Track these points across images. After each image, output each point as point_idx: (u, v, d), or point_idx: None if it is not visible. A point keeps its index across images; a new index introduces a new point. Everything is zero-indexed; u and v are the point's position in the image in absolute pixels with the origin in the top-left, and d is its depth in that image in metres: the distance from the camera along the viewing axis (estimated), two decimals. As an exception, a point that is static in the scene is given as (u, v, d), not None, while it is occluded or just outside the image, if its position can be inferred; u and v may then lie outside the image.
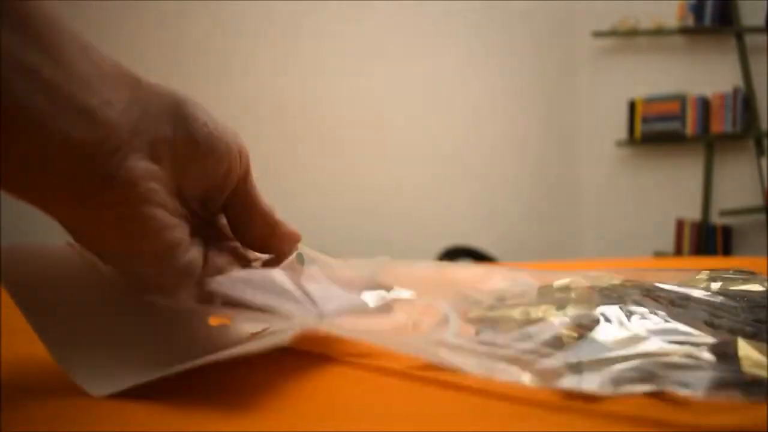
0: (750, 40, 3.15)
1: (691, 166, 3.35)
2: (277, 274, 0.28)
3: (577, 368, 0.22)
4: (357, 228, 2.95)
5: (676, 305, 0.29)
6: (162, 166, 0.27)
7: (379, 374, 0.27)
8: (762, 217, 3.11)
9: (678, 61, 3.37)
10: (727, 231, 3.25)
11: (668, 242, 3.39)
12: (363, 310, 0.31)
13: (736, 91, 3.19)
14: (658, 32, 3.36)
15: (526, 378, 0.22)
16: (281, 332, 0.25)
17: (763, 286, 0.33)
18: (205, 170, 0.28)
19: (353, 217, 2.95)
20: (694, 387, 0.21)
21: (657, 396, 0.22)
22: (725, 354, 0.23)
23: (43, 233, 0.58)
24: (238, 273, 0.28)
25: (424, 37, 3.15)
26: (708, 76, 3.27)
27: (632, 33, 3.42)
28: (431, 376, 0.26)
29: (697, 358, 0.22)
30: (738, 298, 0.30)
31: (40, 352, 0.26)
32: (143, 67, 0.28)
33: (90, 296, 0.28)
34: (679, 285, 0.33)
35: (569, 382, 0.22)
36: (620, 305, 0.28)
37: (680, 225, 3.35)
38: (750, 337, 0.24)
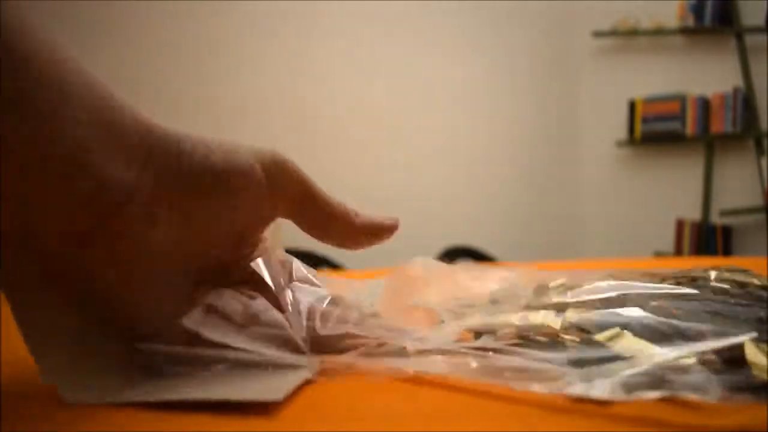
0: (750, 40, 3.15)
1: (691, 166, 3.35)
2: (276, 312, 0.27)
3: (586, 375, 0.22)
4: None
5: (678, 306, 0.29)
6: (162, 225, 0.25)
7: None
8: (762, 217, 3.11)
9: (678, 61, 3.37)
10: (727, 231, 3.25)
11: (668, 242, 3.39)
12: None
13: (736, 91, 3.19)
14: (658, 32, 3.36)
15: (535, 386, 0.22)
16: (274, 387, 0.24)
17: (761, 281, 0.33)
18: (215, 210, 0.26)
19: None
20: (706, 391, 0.21)
21: (658, 397, 0.22)
22: (734, 357, 0.23)
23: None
24: (225, 309, 0.26)
25: (423, 38, 3.15)
26: (708, 76, 3.27)
27: (632, 33, 3.42)
28: (431, 376, 0.26)
29: (706, 362, 0.22)
30: (740, 296, 0.30)
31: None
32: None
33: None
34: (677, 282, 0.33)
35: (579, 389, 0.22)
36: (620, 307, 0.28)
37: (680, 225, 3.35)
38: (756, 338, 0.24)
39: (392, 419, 0.22)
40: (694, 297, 0.30)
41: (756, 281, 0.33)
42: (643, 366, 0.22)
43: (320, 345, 0.27)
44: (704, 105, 3.27)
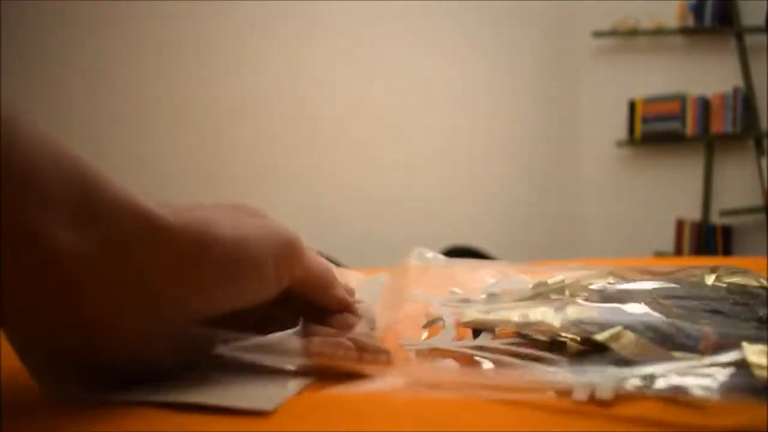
0: (750, 40, 3.15)
1: (691, 166, 3.35)
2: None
3: (588, 378, 0.22)
4: (357, 227, 2.94)
5: (678, 305, 0.29)
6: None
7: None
8: (762, 217, 3.11)
9: (678, 61, 3.37)
10: (727, 231, 3.25)
11: (668, 242, 3.39)
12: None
13: (736, 91, 3.19)
14: (658, 32, 3.36)
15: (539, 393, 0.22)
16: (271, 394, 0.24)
17: (761, 282, 0.33)
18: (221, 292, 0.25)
19: (353, 216, 2.95)
20: (708, 390, 0.20)
21: (659, 398, 0.22)
22: (734, 357, 0.22)
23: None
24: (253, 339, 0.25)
25: (423, 38, 3.14)
26: (708, 76, 3.27)
27: (632, 33, 3.42)
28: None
29: (708, 361, 0.22)
30: (740, 295, 0.30)
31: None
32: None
33: None
34: (674, 279, 0.33)
35: (582, 393, 0.22)
36: (622, 306, 0.27)
37: (680, 225, 3.34)
38: (754, 339, 0.24)
39: (392, 419, 0.22)
40: (694, 296, 0.30)
41: (756, 281, 0.33)
42: (643, 367, 0.22)
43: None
44: (704, 105, 3.27)
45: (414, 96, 3.12)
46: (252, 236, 0.25)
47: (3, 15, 2.20)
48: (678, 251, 3.33)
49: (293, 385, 0.25)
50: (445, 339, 0.27)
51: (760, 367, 0.22)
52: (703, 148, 3.29)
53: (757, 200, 3.16)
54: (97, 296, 0.23)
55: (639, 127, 3.41)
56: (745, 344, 0.23)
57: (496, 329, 0.28)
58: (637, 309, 0.26)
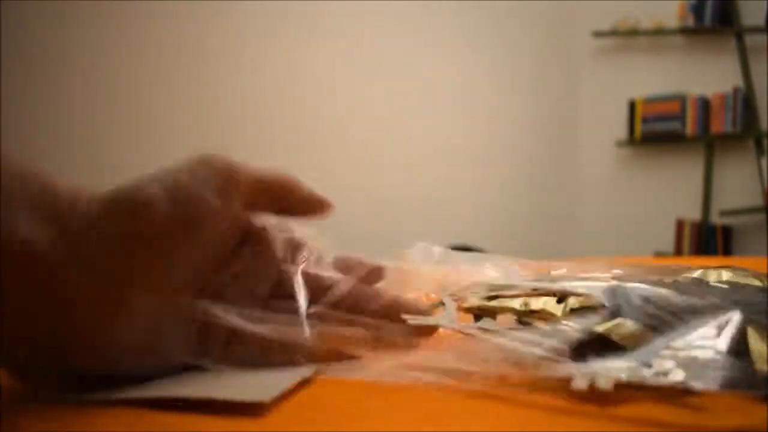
0: (750, 40, 3.15)
1: (691, 166, 3.35)
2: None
3: (588, 367, 0.22)
4: (357, 227, 2.94)
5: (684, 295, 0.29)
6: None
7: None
8: (762, 217, 3.11)
9: (678, 61, 3.37)
10: (727, 231, 3.25)
11: (668, 242, 3.39)
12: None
13: (736, 91, 3.19)
14: (658, 32, 3.36)
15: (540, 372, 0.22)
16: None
17: (761, 282, 0.33)
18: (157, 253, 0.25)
19: (353, 216, 2.95)
20: (708, 381, 0.20)
21: (659, 396, 0.21)
22: (738, 347, 0.22)
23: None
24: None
25: (423, 38, 3.15)
26: (708, 76, 3.27)
27: (632, 33, 3.43)
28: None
29: (710, 352, 0.22)
30: (748, 287, 0.30)
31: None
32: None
33: None
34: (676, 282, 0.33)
35: (582, 382, 0.22)
36: (625, 298, 0.27)
37: (680, 225, 3.35)
38: (763, 325, 0.24)
39: (392, 419, 0.22)
40: (694, 293, 0.30)
41: (756, 282, 0.33)
42: (643, 356, 0.22)
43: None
44: (704, 105, 3.27)
45: (414, 96, 3.12)
46: (182, 181, 0.26)
47: (3, 15, 2.20)
48: (678, 251, 3.33)
49: (293, 376, 0.24)
50: (449, 319, 0.27)
51: (759, 355, 0.22)
52: (703, 148, 3.29)
53: (757, 200, 3.16)
54: (70, 288, 0.23)
55: (639, 127, 3.41)
56: (748, 330, 0.23)
57: (498, 316, 0.28)
58: (636, 295, 0.26)
